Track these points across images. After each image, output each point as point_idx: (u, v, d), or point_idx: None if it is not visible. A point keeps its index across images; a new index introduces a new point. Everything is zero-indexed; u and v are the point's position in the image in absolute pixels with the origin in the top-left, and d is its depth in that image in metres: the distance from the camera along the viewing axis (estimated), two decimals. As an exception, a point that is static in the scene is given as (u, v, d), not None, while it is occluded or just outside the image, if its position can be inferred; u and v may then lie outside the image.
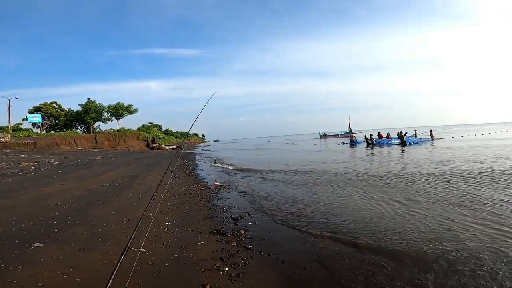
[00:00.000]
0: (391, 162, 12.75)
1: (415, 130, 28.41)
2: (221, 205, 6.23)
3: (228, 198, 7.01)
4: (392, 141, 25.00)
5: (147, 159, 19.31)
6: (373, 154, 17.79)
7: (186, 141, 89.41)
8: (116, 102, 47.10)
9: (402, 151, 17.71)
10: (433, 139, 25.86)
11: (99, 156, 20.05)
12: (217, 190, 8.02)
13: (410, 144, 22.81)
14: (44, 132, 44.47)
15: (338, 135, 52.33)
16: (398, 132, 28.33)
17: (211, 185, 8.81)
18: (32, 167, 12.15)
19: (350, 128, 50.97)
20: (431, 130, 28.77)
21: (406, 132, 27.59)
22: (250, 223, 4.98)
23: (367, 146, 24.10)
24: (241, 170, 13.00)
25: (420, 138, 25.70)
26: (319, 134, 56.58)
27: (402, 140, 22.96)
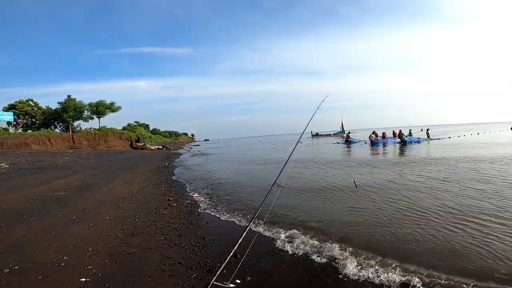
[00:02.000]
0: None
1: (410, 130, 27.30)
2: (194, 239, 4.12)
3: (207, 223, 4.97)
4: (392, 140, 23.64)
5: (123, 161, 17.05)
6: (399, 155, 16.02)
7: (176, 141, 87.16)
8: (97, 100, 44.18)
9: (428, 149, 16.12)
10: (430, 139, 24.62)
11: (67, 158, 17.66)
12: (194, 208, 6.00)
13: (411, 143, 21.40)
14: (20, 131, 41.26)
15: (330, 134, 50.97)
16: (393, 132, 27.12)
17: (185, 199, 6.78)
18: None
19: (342, 128, 49.77)
20: (427, 130, 27.73)
21: (410, 130, 26.35)
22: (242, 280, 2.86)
23: (372, 145, 22.40)
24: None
25: (418, 138, 24.34)
26: (311, 133, 55.04)
27: (402, 140, 21.47)
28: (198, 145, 59.40)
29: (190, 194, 7.30)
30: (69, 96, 44.75)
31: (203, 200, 6.68)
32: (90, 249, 3.61)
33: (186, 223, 4.90)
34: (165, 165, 15.26)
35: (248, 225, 2.89)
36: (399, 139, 22.06)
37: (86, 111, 44.34)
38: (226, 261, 1.93)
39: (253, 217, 2.87)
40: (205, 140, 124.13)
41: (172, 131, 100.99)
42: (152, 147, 41.31)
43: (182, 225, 4.77)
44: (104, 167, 13.33)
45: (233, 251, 2.11)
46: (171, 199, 6.72)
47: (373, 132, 24.70)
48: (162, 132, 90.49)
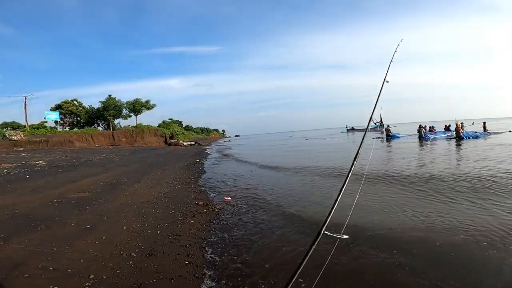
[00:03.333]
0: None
1: (462, 123, 24.06)
2: (227, 261, 3.19)
3: (244, 235, 4.00)
4: (447, 134, 20.87)
5: (155, 157, 16.93)
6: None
7: (207, 137, 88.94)
8: (134, 98, 45.92)
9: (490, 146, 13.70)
10: (489, 133, 21.28)
11: (104, 155, 18.02)
12: (226, 215, 5.06)
13: (469, 138, 18.56)
14: (67, 129, 44.47)
15: (368, 129, 47.57)
16: (445, 126, 24.03)
17: (217, 204, 5.87)
18: (5, 171, 10.01)
19: (381, 122, 46.16)
20: (484, 123, 24.16)
21: (462, 123, 23.24)
22: None
23: (420, 140, 19.91)
24: (272, 168, 9.98)
25: (475, 132, 21.12)
26: (346, 128, 52.20)
27: (458, 134, 18.70)
28: (229, 140, 59.47)
29: (224, 198, 6.38)
30: (109, 95, 47.21)
31: (238, 205, 5.72)
32: (91, 277, 2.79)
33: (215, 239, 3.94)
34: (196, 161, 14.73)
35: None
36: (454, 134, 19.29)
37: (124, 109, 46.37)
38: (332, 212, 1.60)
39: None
40: (235, 136, 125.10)
41: (204, 128, 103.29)
42: (185, 143, 41.99)
43: (211, 241, 3.83)
44: (136, 164, 13.11)
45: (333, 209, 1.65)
46: (200, 203, 5.85)
47: (420, 126, 22.04)
48: (195, 128, 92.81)
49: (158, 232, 4.23)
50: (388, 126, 25.63)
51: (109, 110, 44.73)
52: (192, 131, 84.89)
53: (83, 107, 49.56)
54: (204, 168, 11.79)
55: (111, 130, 43.67)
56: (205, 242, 3.82)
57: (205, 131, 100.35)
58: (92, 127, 47.16)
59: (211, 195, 6.71)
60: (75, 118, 49.58)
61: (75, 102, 49.00)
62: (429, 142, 18.18)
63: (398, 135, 23.90)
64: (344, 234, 1.53)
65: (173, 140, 43.21)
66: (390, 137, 23.55)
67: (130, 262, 3.25)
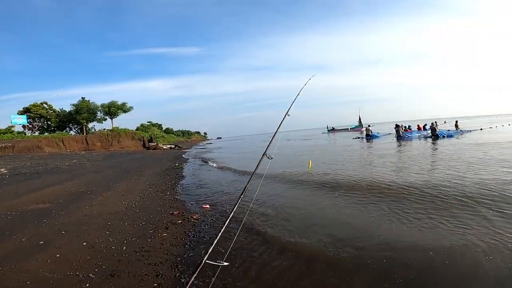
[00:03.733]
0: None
1: (432, 122, 25.16)
2: (202, 285, 2.69)
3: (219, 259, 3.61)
4: (421, 134, 21.56)
5: (131, 162, 16.06)
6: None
7: (188, 139, 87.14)
8: (109, 101, 43.99)
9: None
10: (461, 131, 22.29)
11: (75, 160, 16.87)
12: (204, 226, 4.62)
13: (444, 136, 19.22)
14: (36, 134, 41.70)
15: (347, 129, 48.67)
16: (418, 125, 24.90)
17: (194, 213, 5.42)
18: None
19: (360, 122, 47.33)
20: (456, 121, 25.39)
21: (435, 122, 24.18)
22: None
23: (398, 139, 20.32)
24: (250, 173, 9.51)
25: (448, 130, 22.00)
26: (327, 128, 52.95)
27: (434, 133, 19.33)
28: (211, 143, 58.56)
29: (202, 206, 5.91)
30: (83, 98, 44.91)
31: (217, 214, 5.30)
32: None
33: (191, 255, 3.52)
34: (175, 166, 14.09)
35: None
36: (430, 133, 19.94)
37: (99, 113, 44.27)
38: (217, 238, 1.73)
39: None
40: (217, 138, 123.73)
41: (185, 130, 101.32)
42: (165, 147, 40.77)
43: (185, 258, 3.41)
44: (109, 170, 12.29)
45: (222, 230, 1.81)
46: (175, 213, 5.37)
47: (397, 125, 22.63)
48: (175, 131, 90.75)
49: (124, 248, 3.76)
50: (369, 126, 26.09)
51: (82, 113, 42.52)
52: (172, 134, 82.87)
53: (54, 111, 46.77)
54: (183, 173, 11.22)
55: (85, 134, 41.50)
56: (179, 259, 3.39)
57: (186, 133, 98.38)
58: (64, 131, 44.65)
59: (189, 203, 6.24)
60: (45, 122, 46.69)
61: (44, 105, 46.10)
62: (408, 142, 18.61)
63: (378, 135, 24.38)
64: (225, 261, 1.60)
65: (152, 143, 41.82)
66: (370, 136, 23.94)
67: (87, 285, 2.78)
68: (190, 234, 4.24)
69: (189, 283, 1.44)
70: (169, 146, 42.14)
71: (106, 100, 44.39)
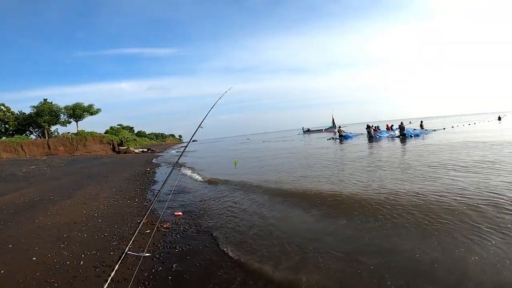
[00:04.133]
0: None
1: (402, 122, 26.58)
2: None
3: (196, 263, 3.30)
4: (391, 133, 22.54)
5: (98, 167, 15.00)
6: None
7: (163, 142, 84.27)
8: (74, 102, 41.23)
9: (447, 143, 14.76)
10: (427, 131, 23.71)
11: (33, 166, 15.43)
12: (175, 236, 4.26)
13: (411, 136, 20.24)
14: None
15: (322, 130, 49.91)
16: (387, 125, 26.07)
17: (166, 221, 5.02)
18: None
19: (333, 123, 48.80)
20: (421, 122, 27.01)
21: (392, 125, 25.51)
22: None
23: (370, 140, 21.01)
24: (224, 182, 8.81)
25: (414, 129, 23.26)
26: (303, 129, 54.00)
27: (402, 133, 20.28)
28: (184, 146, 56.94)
29: (174, 213, 5.50)
30: (45, 99, 41.67)
31: (190, 221, 4.95)
32: None
33: (160, 270, 3.18)
34: (146, 170, 13.36)
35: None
36: (399, 133, 20.90)
37: (62, 115, 41.28)
38: (137, 230, 1.86)
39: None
40: (193, 141, 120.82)
41: (159, 133, 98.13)
42: (136, 150, 38.94)
43: (153, 274, 3.07)
44: (72, 176, 11.33)
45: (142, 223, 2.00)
46: (144, 222, 4.95)
47: (368, 126, 23.48)
48: (148, 134, 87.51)
49: (82, 262, 3.33)
50: (339, 126, 26.83)
51: (44, 116, 39.41)
52: (145, 137, 79.84)
53: (12, 113, 42.89)
54: (154, 178, 10.61)
55: (47, 138, 38.44)
56: (145, 275, 3.04)
57: (160, 136, 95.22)
58: (24, 135, 41.08)
59: (160, 210, 5.81)
60: (3, 126, 42.66)
61: (1, 107, 42.15)
62: (378, 142, 19.28)
63: (350, 135, 25.08)
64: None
65: (123, 147, 39.76)
66: (342, 137, 24.56)
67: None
68: (159, 245, 3.88)
69: (112, 273, 1.45)
70: (141, 149, 40.31)
71: (73, 102, 41.50)
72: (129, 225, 4.77)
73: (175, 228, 4.57)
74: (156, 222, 4.78)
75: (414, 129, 22.52)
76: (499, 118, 36.73)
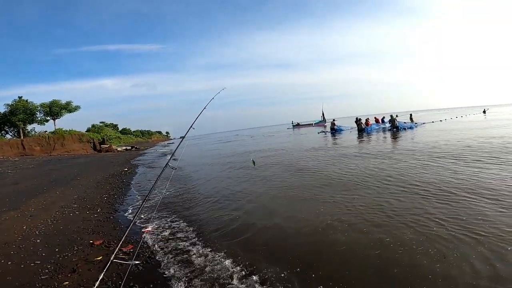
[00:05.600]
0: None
1: (391, 116, 26.24)
2: None
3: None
4: (382, 126, 22.03)
5: (70, 168, 13.57)
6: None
7: (149, 140, 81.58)
8: (50, 100, 38.79)
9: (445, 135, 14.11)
10: (416, 124, 23.33)
11: (-3, 170, 13.81)
12: (137, 266, 3.13)
13: (404, 129, 19.71)
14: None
15: (312, 124, 49.27)
16: (375, 118, 25.51)
17: (129, 242, 3.91)
18: None
19: (323, 117, 48.21)
20: (411, 115, 26.73)
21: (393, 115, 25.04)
22: None
23: (360, 132, 20.34)
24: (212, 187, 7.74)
25: (404, 122, 22.79)
26: (292, 124, 53.24)
27: (394, 125, 19.70)
28: (173, 143, 55.30)
29: (143, 229, 4.28)
30: (20, 97, 38.92)
31: (161, 239, 3.87)
32: None
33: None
34: (124, 170, 12.08)
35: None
36: (390, 125, 20.32)
37: (38, 113, 38.75)
38: (124, 237, 1.83)
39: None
40: (180, 137, 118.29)
41: (145, 130, 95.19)
42: (119, 149, 37.14)
43: None
44: (35, 179, 9.96)
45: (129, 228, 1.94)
46: (96, 242, 3.83)
47: (357, 119, 22.80)
48: (134, 131, 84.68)
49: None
50: (334, 120, 25.90)
51: (18, 114, 36.84)
52: (130, 134, 77.15)
53: (-15, 112, 40.00)
54: (130, 181, 9.37)
55: (22, 137, 35.99)
56: None
57: (146, 134, 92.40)
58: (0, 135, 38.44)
59: (124, 223, 4.68)
60: (-25, 125, 39.75)
61: (-27, 106, 39.25)
62: (372, 135, 18.61)
63: (343, 129, 24.37)
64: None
65: (104, 145, 37.83)
66: (335, 131, 23.83)
67: None
68: (109, 283, 2.77)
69: (98, 280, 1.46)
70: (124, 147, 38.53)
71: (49, 100, 38.99)
72: (75, 249, 3.64)
73: (140, 251, 3.45)
74: (114, 245, 3.68)
75: (405, 122, 22.06)
76: (484, 112, 38.02)
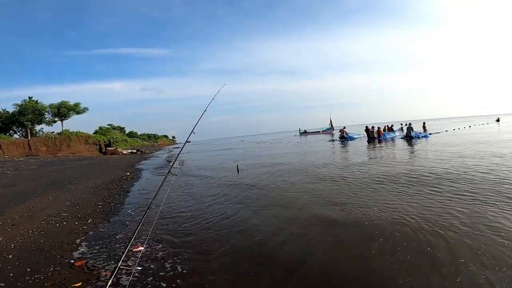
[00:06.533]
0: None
1: (401, 124, 25.45)
2: None
3: None
4: (394, 135, 21.25)
5: (71, 171, 13.14)
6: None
7: (155, 143, 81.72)
8: (59, 101, 39.00)
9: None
10: (430, 133, 22.42)
11: (-4, 170, 13.46)
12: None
13: (418, 137, 18.88)
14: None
15: (319, 131, 48.49)
16: (386, 126, 24.66)
17: (106, 271, 3.30)
18: None
19: (331, 124, 47.37)
20: (424, 123, 25.71)
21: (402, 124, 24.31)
22: None
23: (371, 141, 19.64)
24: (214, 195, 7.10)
25: (420, 132, 21.91)
26: (299, 131, 52.54)
27: (408, 134, 18.86)
28: (178, 147, 55.04)
29: (132, 248, 3.58)
30: (30, 97, 39.28)
31: (152, 260, 3.24)
32: None
33: None
34: (125, 175, 11.57)
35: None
36: (405, 134, 19.50)
37: (47, 114, 38.96)
38: (130, 244, 1.77)
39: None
40: (186, 142, 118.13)
41: (151, 134, 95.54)
42: (125, 152, 36.93)
43: None
44: (32, 182, 9.49)
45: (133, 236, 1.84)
46: (77, 263, 3.23)
47: (367, 128, 21.99)
48: (140, 135, 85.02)
49: None
50: (344, 127, 25.03)
51: (26, 114, 37.07)
52: (137, 137, 77.39)
53: (-5, 111, 40.45)
54: (130, 188, 8.79)
55: (29, 137, 36.11)
56: None
57: (152, 137, 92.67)
58: (7, 134, 38.69)
59: (114, 241, 4.07)
60: (-15, 125, 40.15)
61: (-18, 105, 39.73)
62: (387, 142, 17.93)
63: (354, 136, 23.56)
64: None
65: (110, 148, 37.69)
66: (345, 139, 23.06)
67: None
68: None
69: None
70: (130, 150, 38.29)
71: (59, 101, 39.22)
72: (51, 270, 3.04)
73: (123, 281, 2.83)
74: (96, 270, 3.07)
75: (421, 132, 21.21)
76: (498, 120, 37.13)
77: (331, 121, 47.48)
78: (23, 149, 31.81)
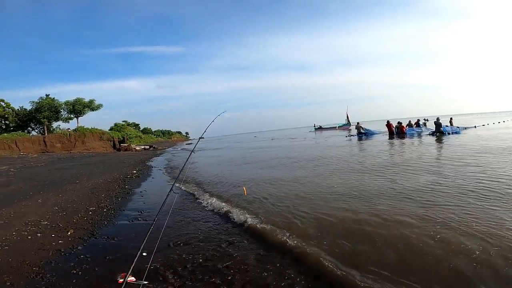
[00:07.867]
0: None
1: (425, 119, 23.70)
2: None
3: None
4: (420, 130, 19.65)
5: (77, 168, 12.59)
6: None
7: (168, 140, 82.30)
8: (74, 98, 39.34)
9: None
10: (457, 127, 20.57)
11: (4, 167, 13.13)
12: None
13: (448, 133, 17.21)
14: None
15: (335, 127, 46.67)
16: (409, 122, 22.87)
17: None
18: None
19: (348, 120, 45.40)
20: (451, 118, 23.69)
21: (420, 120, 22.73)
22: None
23: (392, 137, 18.17)
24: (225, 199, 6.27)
25: (455, 126, 20.17)
26: (314, 126, 50.76)
27: (438, 130, 17.15)
28: (191, 143, 54.80)
29: (118, 278, 2.53)
30: (47, 95, 39.88)
31: None
32: None
33: None
34: (131, 173, 10.82)
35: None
36: (433, 129, 17.82)
37: (63, 111, 39.41)
38: (137, 257, 1.75)
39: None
40: (200, 138, 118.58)
41: (165, 130, 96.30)
42: (138, 148, 36.83)
43: None
44: (31, 181, 8.88)
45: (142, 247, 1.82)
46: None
47: (389, 123, 20.35)
48: (154, 131, 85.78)
49: None
50: (358, 123, 23.59)
51: (43, 111, 37.61)
52: (151, 134, 78.06)
53: (12, 109, 41.41)
54: (134, 189, 7.85)
55: (45, 134, 36.68)
56: None
57: (166, 133, 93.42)
58: (26, 131, 39.55)
59: (98, 263, 3.13)
60: (3, 122, 41.23)
61: (1, 103, 40.71)
62: (416, 138, 16.48)
63: (376, 132, 22.03)
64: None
65: (124, 144, 37.73)
66: (362, 134, 21.62)
67: None
68: None
69: None
70: (143, 147, 38.20)
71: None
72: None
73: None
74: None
75: (447, 126, 19.41)
76: None
77: (347, 117, 45.55)
78: (38, 146, 32.28)
